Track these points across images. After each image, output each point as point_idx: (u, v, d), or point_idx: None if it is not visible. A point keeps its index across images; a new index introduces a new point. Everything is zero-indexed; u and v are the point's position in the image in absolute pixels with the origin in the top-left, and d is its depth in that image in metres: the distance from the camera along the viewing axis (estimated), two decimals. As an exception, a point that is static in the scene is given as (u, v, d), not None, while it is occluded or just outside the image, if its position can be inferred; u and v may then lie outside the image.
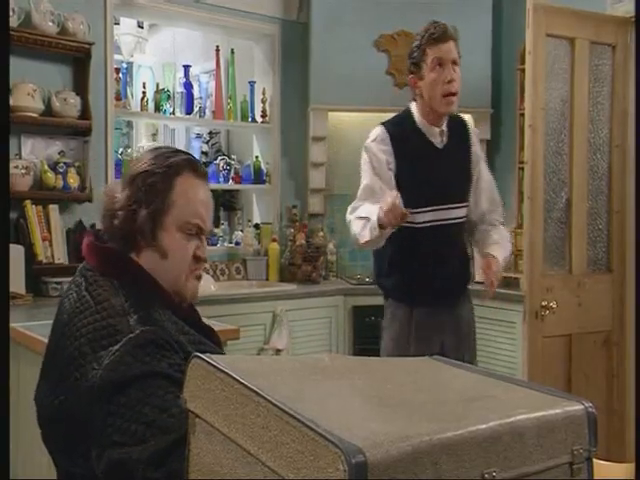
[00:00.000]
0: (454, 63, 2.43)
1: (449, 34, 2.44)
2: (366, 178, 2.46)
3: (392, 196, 2.15)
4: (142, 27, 5.45)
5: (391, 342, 2.51)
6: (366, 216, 2.31)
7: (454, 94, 2.43)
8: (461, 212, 2.53)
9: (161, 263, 1.30)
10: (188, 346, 1.22)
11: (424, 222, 2.43)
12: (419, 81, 2.46)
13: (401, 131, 2.49)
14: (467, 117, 4.34)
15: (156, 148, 1.39)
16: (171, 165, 1.31)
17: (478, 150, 2.63)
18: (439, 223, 2.45)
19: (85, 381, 1.12)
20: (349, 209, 2.46)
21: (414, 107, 2.52)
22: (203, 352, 1.22)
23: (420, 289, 2.47)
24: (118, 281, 1.25)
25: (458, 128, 2.57)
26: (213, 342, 1.35)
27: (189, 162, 1.34)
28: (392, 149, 2.45)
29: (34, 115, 3.37)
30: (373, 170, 2.45)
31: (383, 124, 2.52)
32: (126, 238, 1.28)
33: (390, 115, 2.64)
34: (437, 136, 2.50)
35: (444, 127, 2.51)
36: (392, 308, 2.53)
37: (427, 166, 2.45)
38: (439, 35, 2.42)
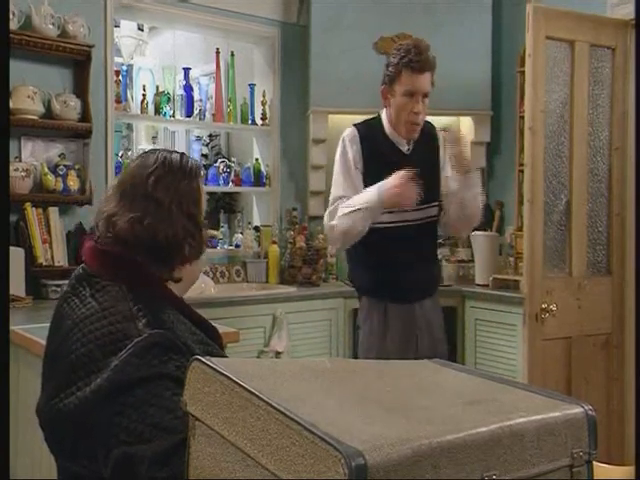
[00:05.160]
0: (424, 96, 2.51)
1: (428, 66, 2.49)
2: (338, 187, 2.55)
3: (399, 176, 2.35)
4: (142, 30, 5.46)
5: (368, 338, 2.59)
6: (357, 207, 2.42)
7: (417, 124, 2.54)
8: (427, 213, 2.59)
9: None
10: (195, 347, 1.23)
11: (391, 222, 2.52)
12: (389, 95, 2.55)
13: (371, 134, 2.58)
14: (467, 120, 4.38)
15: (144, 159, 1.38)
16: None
17: (444, 155, 2.70)
18: (405, 223, 2.54)
19: (93, 385, 1.13)
20: (327, 217, 2.54)
21: (384, 114, 2.62)
22: (209, 353, 1.24)
23: (392, 286, 2.56)
24: (125, 285, 1.25)
25: (426, 134, 2.65)
26: (216, 342, 1.35)
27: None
28: (361, 150, 2.55)
29: (34, 118, 3.37)
30: (346, 176, 2.54)
31: (355, 125, 2.62)
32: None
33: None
34: (404, 144, 2.60)
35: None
36: (367, 305, 2.61)
37: (393, 170, 2.48)
38: (417, 67, 2.46)
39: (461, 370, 1.00)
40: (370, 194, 2.42)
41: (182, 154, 1.39)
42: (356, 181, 2.53)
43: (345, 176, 2.54)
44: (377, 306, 2.57)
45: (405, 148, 2.60)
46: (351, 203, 2.46)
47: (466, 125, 4.46)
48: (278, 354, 3.61)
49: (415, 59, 2.45)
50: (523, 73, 3.49)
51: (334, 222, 2.49)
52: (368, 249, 2.55)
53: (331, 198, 2.57)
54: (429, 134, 2.66)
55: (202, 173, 1.40)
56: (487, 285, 3.91)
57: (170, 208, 1.29)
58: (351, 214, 2.44)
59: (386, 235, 2.51)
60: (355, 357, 3.79)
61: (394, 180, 2.37)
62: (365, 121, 2.64)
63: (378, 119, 2.63)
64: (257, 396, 0.77)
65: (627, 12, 3.46)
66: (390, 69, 2.52)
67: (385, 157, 2.55)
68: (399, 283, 2.56)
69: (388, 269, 2.56)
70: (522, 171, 3.67)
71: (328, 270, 4.34)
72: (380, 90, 2.57)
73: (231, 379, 0.81)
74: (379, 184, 2.40)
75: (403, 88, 2.48)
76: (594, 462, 0.85)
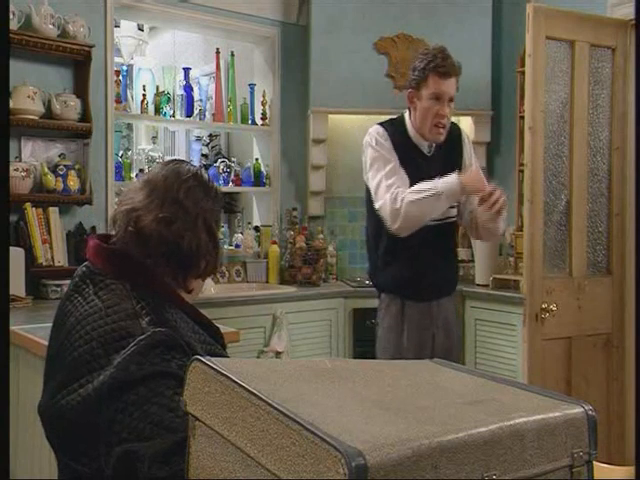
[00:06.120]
0: (450, 100, 2.57)
1: (454, 72, 2.54)
2: (385, 163, 2.54)
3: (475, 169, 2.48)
4: (142, 30, 5.46)
5: (385, 333, 2.63)
6: (431, 192, 2.44)
7: (443, 126, 2.57)
8: (447, 213, 2.62)
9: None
10: (198, 347, 1.23)
11: None
12: (415, 99, 2.59)
13: (395, 134, 2.62)
14: (467, 120, 4.39)
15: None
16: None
17: (469, 156, 2.73)
18: (430, 223, 2.56)
19: (96, 382, 1.13)
20: (389, 199, 2.47)
21: (407, 116, 2.66)
22: (211, 352, 1.24)
23: (411, 283, 2.60)
24: (129, 283, 1.25)
25: (452, 135, 2.67)
26: (218, 342, 1.35)
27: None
28: (391, 146, 2.58)
29: (34, 118, 3.37)
30: (387, 155, 2.55)
31: (380, 124, 2.65)
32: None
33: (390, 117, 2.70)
34: (426, 147, 2.64)
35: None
36: (386, 302, 2.66)
37: (415, 170, 2.56)
38: (445, 71, 2.52)
39: (461, 370, 1.00)
40: (447, 179, 2.44)
41: (208, 174, 1.42)
42: (398, 168, 2.54)
43: (387, 164, 2.54)
44: (395, 303, 2.62)
45: (426, 150, 2.63)
46: (422, 188, 2.45)
47: (466, 125, 4.46)
48: (278, 354, 3.61)
49: (442, 64, 2.51)
50: (523, 73, 3.49)
51: (399, 207, 2.45)
52: (390, 248, 2.59)
53: (377, 184, 2.53)
54: (453, 135, 2.68)
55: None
56: (487, 285, 3.91)
57: (196, 220, 1.30)
58: (423, 200, 2.43)
59: (408, 235, 2.54)
60: (356, 357, 3.80)
61: (469, 171, 2.47)
62: (390, 120, 2.68)
63: (401, 120, 2.66)
64: (257, 396, 0.77)
65: (627, 12, 3.46)
66: (417, 73, 2.56)
67: (408, 157, 2.59)
68: (418, 281, 2.60)
69: (409, 267, 2.59)
70: (522, 171, 3.67)
71: (328, 270, 4.34)
72: (407, 94, 2.61)
73: (231, 379, 0.81)
74: (454, 175, 2.45)
75: (430, 92, 2.53)
76: (594, 462, 0.85)
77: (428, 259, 2.60)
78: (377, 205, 2.54)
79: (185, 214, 1.29)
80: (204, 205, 1.33)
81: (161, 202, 1.29)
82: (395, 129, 2.62)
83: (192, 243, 1.29)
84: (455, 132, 2.70)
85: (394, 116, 2.71)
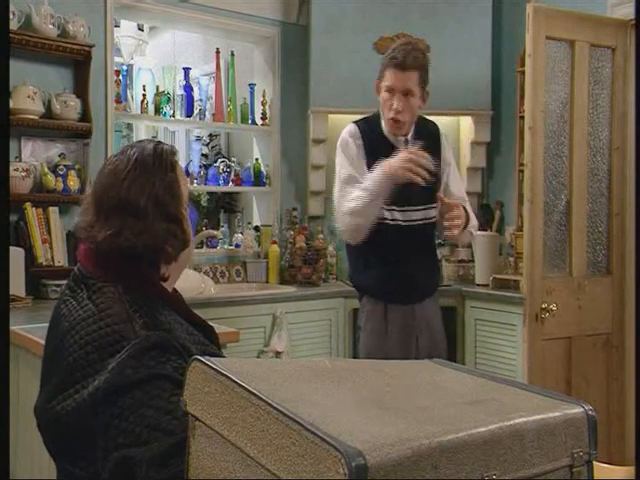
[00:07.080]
0: (407, 94, 2.48)
1: (409, 65, 2.46)
2: (345, 169, 2.53)
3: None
4: (142, 30, 5.46)
5: (369, 337, 2.60)
6: (365, 199, 2.40)
7: (397, 121, 2.51)
8: (427, 214, 2.58)
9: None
10: (193, 348, 1.22)
11: (394, 220, 2.52)
12: (378, 92, 2.57)
13: (370, 132, 2.58)
14: (468, 120, 4.38)
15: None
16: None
17: (448, 156, 2.67)
18: (408, 223, 2.53)
19: (91, 387, 1.12)
20: (338, 201, 2.49)
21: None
22: (206, 353, 1.23)
23: (393, 286, 2.56)
24: (121, 286, 1.25)
25: (429, 134, 2.62)
26: (213, 343, 1.35)
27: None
28: (363, 145, 2.55)
29: (34, 117, 3.37)
30: (351, 161, 2.53)
31: (355, 122, 2.62)
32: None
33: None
34: (401, 144, 2.56)
35: (409, 136, 2.58)
36: (368, 306, 2.61)
37: None
38: (398, 63, 2.46)
39: (461, 370, 1.00)
40: (374, 178, 2.39)
41: (155, 145, 1.34)
42: (364, 169, 2.51)
43: (347, 172, 2.52)
44: (378, 307, 2.57)
45: (402, 145, 2.56)
46: (357, 194, 2.42)
47: (466, 125, 4.47)
48: (278, 354, 3.61)
49: (398, 56, 2.46)
50: (523, 73, 3.49)
51: (346, 215, 2.46)
52: (369, 249, 2.54)
53: (337, 193, 2.53)
54: (431, 134, 2.63)
55: (177, 159, 1.35)
56: (487, 285, 3.91)
57: (146, 211, 1.25)
58: (364, 208, 2.40)
59: (386, 236, 2.50)
60: (355, 357, 3.79)
61: (403, 153, 2.36)
62: (364, 118, 2.64)
63: (377, 116, 2.62)
64: (257, 396, 0.77)
65: (627, 12, 3.46)
66: (380, 66, 2.54)
67: (383, 154, 2.51)
68: (399, 284, 2.56)
69: (389, 270, 2.56)
70: (522, 171, 3.67)
71: (328, 270, 4.34)
72: (375, 85, 2.58)
73: (231, 379, 0.81)
74: (378, 170, 2.39)
75: (385, 84, 2.50)
76: (594, 462, 0.85)
77: (410, 261, 2.56)
78: (335, 218, 2.56)
79: (134, 215, 1.25)
80: (153, 186, 1.28)
81: (106, 215, 1.26)
82: (368, 127, 2.58)
83: (148, 242, 1.25)
84: (433, 130, 2.66)
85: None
